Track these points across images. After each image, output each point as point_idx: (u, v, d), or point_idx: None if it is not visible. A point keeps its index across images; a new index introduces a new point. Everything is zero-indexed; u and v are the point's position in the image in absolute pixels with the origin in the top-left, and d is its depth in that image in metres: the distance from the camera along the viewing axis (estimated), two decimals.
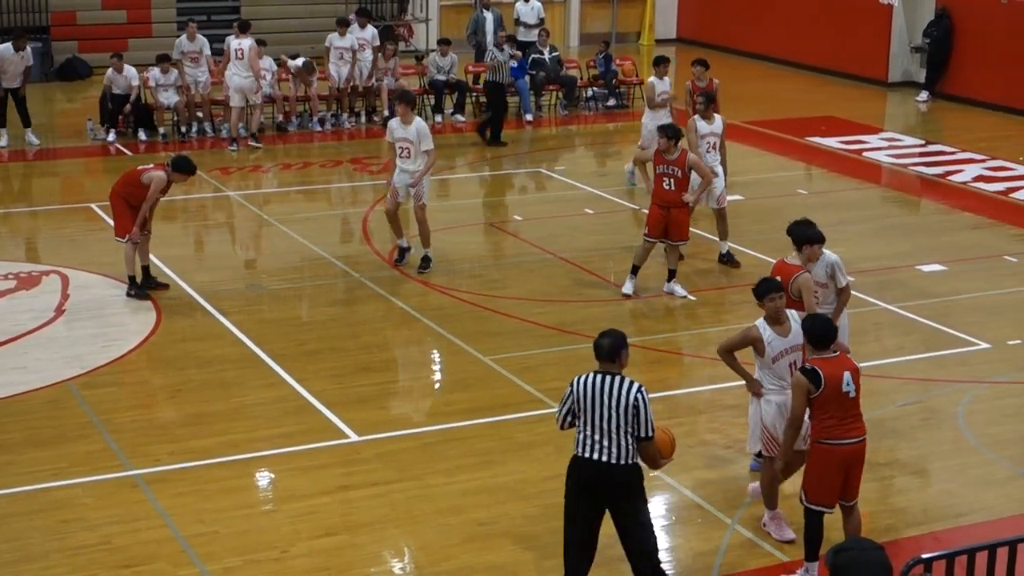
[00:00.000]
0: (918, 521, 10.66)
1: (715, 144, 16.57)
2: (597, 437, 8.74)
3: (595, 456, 8.74)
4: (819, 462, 9.43)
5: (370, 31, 24.42)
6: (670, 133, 15.29)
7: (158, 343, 14.09)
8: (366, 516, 10.51)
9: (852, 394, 9.33)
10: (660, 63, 19.61)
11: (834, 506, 9.54)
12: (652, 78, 19.65)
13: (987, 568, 8.46)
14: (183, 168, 15.24)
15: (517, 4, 27.97)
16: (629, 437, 8.72)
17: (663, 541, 10.39)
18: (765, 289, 10.12)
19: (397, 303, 15.29)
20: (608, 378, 8.77)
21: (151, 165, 15.45)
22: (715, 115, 16.71)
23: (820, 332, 9.44)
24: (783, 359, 10.09)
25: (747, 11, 32.35)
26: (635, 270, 15.54)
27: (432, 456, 11.58)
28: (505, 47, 23.74)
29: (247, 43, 22.40)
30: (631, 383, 8.75)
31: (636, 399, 8.69)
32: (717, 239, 16.80)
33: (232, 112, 22.59)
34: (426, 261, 16.21)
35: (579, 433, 8.86)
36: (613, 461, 8.73)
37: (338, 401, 12.64)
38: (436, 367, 14.02)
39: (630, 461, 8.77)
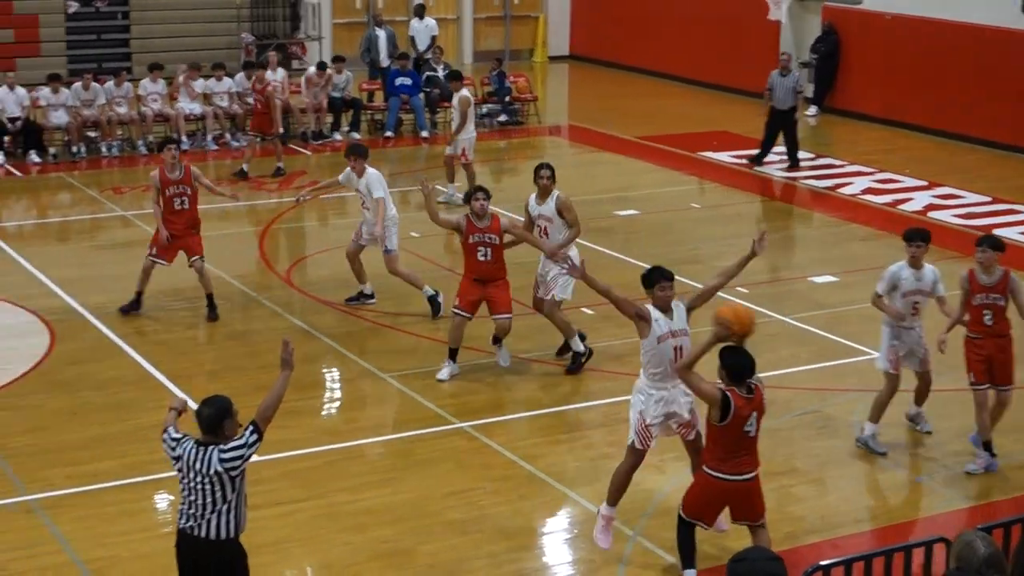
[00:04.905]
0: (816, 528, 10.81)
1: (546, 229, 13.63)
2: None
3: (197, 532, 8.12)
4: (700, 486, 9.48)
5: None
6: (486, 193, 13.51)
7: (52, 366, 13.89)
8: (269, 536, 10.42)
9: (752, 434, 9.25)
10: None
11: (710, 524, 9.61)
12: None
13: (884, 573, 8.61)
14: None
15: (412, 21, 27.95)
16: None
17: (565, 554, 10.48)
18: (658, 277, 10.02)
19: (295, 322, 15.22)
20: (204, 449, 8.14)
21: None
22: (552, 192, 13.63)
23: (739, 366, 9.13)
24: (667, 341, 9.99)
25: (639, 28, 32.64)
26: (452, 353, 13.57)
27: (335, 474, 11.54)
28: (795, 69, 22.57)
29: None
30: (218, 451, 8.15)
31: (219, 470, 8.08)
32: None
33: None
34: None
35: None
36: (212, 537, 8.11)
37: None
38: (336, 385, 13.97)
39: (231, 536, 8.17)
